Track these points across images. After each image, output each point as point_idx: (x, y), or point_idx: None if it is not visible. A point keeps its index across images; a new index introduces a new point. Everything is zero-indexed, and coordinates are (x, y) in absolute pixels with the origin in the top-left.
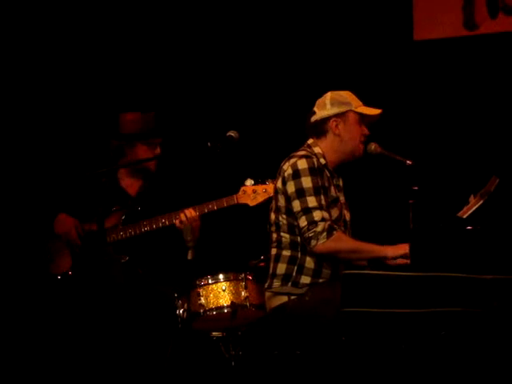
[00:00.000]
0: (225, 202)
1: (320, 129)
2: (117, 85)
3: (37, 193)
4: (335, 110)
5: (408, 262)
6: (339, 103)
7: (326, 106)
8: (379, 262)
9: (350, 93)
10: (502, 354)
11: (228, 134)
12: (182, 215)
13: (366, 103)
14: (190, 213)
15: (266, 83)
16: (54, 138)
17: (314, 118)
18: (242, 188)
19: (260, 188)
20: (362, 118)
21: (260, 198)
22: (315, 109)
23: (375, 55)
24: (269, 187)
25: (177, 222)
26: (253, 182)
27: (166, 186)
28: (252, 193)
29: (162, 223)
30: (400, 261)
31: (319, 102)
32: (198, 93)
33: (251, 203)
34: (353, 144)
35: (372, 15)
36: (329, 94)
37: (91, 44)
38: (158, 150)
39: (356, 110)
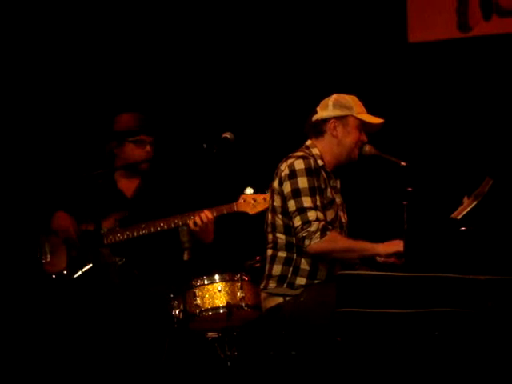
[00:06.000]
0: (224, 210)
1: (319, 129)
2: (114, 86)
3: (34, 192)
4: (336, 113)
5: (398, 262)
6: (341, 106)
7: (328, 107)
8: (371, 259)
9: (356, 98)
10: (496, 354)
11: (223, 135)
12: (198, 217)
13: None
14: (206, 215)
15: (261, 84)
16: (51, 138)
17: (314, 118)
18: (242, 196)
19: (260, 197)
20: (363, 125)
21: (259, 207)
22: (318, 108)
23: (370, 57)
24: (268, 196)
25: (191, 223)
26: (252, 191)
27: (161, 188)
28: (252, 201)
29: (161, 227)
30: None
31: (323, 102)
32: (194, 94)
33: (251, 211)
34: (349, 148)
35: (366, 17)
36: (334, 96)
37: (90, 46)
38: (148, 149)
39: (357, 115)
